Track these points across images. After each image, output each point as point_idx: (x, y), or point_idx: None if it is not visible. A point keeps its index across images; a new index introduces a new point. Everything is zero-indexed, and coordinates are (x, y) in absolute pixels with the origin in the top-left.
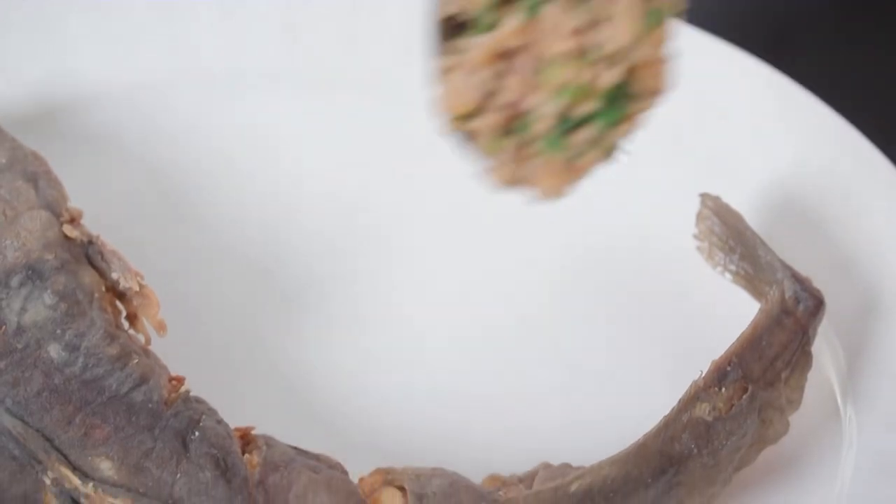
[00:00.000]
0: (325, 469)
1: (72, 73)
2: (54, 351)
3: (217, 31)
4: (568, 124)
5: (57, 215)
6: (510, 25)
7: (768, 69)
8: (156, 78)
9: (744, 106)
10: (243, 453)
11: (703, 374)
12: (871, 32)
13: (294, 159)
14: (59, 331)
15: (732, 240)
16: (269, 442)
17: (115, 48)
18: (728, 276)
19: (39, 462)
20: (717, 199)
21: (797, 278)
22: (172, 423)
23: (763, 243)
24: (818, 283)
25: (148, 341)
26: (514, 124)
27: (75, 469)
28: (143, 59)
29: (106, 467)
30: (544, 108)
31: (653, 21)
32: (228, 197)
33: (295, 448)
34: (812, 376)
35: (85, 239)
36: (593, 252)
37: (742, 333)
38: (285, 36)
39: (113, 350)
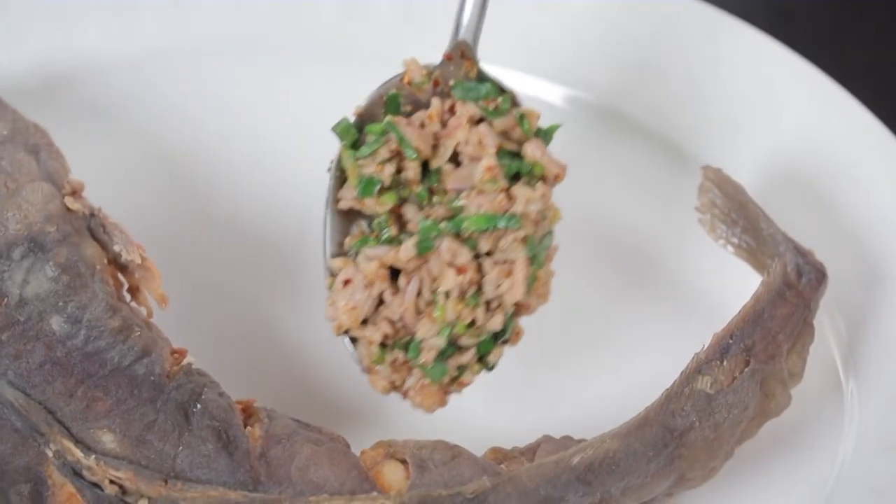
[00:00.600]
0: (328, 442)
1: (73, 44)
2: (56, 323)
3: (217, 2)
4: (450, 351)
5: (59, 187)
6: (405, 251)
7: (772, 41)
8: (157, 49)
9: (746, 78)
10: (245, 426)
11: (705, 347)
12: (874, 5)
13: (296, 130)
14: (61, 303)
15: (734, 212)
16: (271, 414)
17: (116, 20)
18: (730, 248)
19: (42, 434)
20: (718, 171)
21: (800, 251)
22: (174, 396)
23: (765, 215)
24: (821, 255)
25: (150, 314)
26: (398, 338)
27: (77, 442)
28: (144, 30)
29: (108, 440)
30: (430, 341)
31: (537, 266)
32: (231, 168)
33: (297, 420)
34: (814, 349)
35: (87, 211)
36: (593, 225)
37: (744, 306)
38: (285, 6)
39: (115, 322)
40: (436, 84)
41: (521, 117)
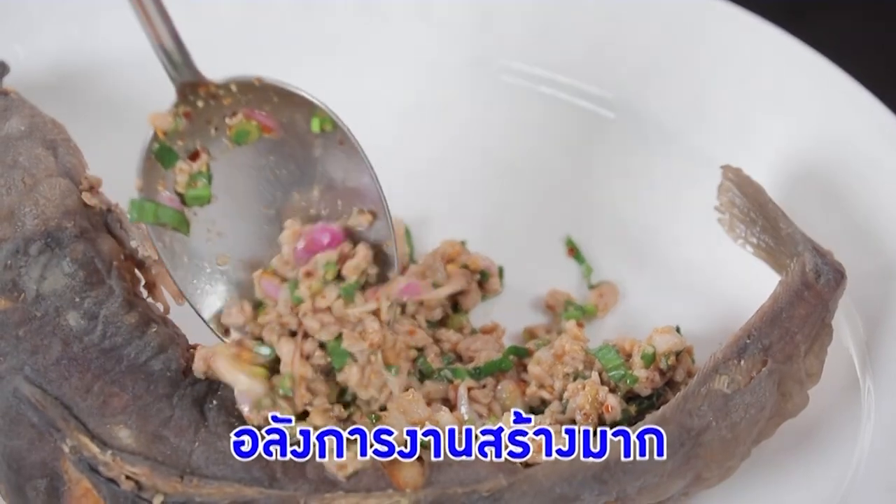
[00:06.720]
0: None
1: (90, 40)
2: (73, 319)
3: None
4: None
5: (76, 183)
6: None
7: (790, 38)
8: None
9: (765, 76)
10: None
11: (722, 347)
12: (893, 2)
13: None
14: (77, 299)
15: (754, 212)
16: None
17: (132, 16)
18: (749, 248)
19: (58, 430)
20: (738, 171)
21: (818, 251)
22: (190, 392)
23: (784, 215)
24: (839, 255)
25: (167, 310)
26: None
27: (94, 437)
28: None
29: (124, 435)
30: None
31: None
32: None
33: None
34: (831, 348)
35: (104, 207)
36: (607, 224)
37: (762, 306)
38: (301, 3)
39: (131, 318)
40: (187, 116)
41: None
